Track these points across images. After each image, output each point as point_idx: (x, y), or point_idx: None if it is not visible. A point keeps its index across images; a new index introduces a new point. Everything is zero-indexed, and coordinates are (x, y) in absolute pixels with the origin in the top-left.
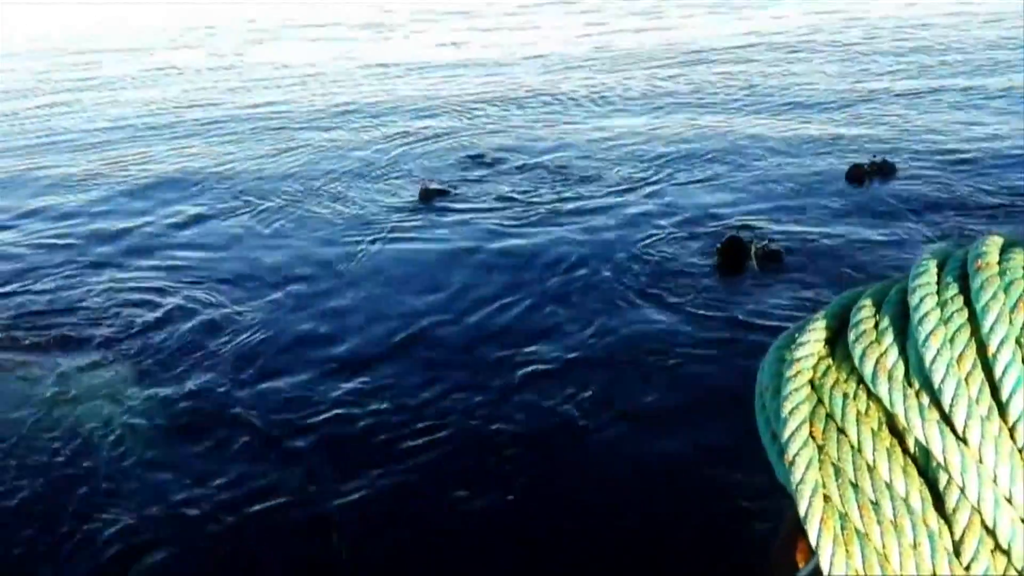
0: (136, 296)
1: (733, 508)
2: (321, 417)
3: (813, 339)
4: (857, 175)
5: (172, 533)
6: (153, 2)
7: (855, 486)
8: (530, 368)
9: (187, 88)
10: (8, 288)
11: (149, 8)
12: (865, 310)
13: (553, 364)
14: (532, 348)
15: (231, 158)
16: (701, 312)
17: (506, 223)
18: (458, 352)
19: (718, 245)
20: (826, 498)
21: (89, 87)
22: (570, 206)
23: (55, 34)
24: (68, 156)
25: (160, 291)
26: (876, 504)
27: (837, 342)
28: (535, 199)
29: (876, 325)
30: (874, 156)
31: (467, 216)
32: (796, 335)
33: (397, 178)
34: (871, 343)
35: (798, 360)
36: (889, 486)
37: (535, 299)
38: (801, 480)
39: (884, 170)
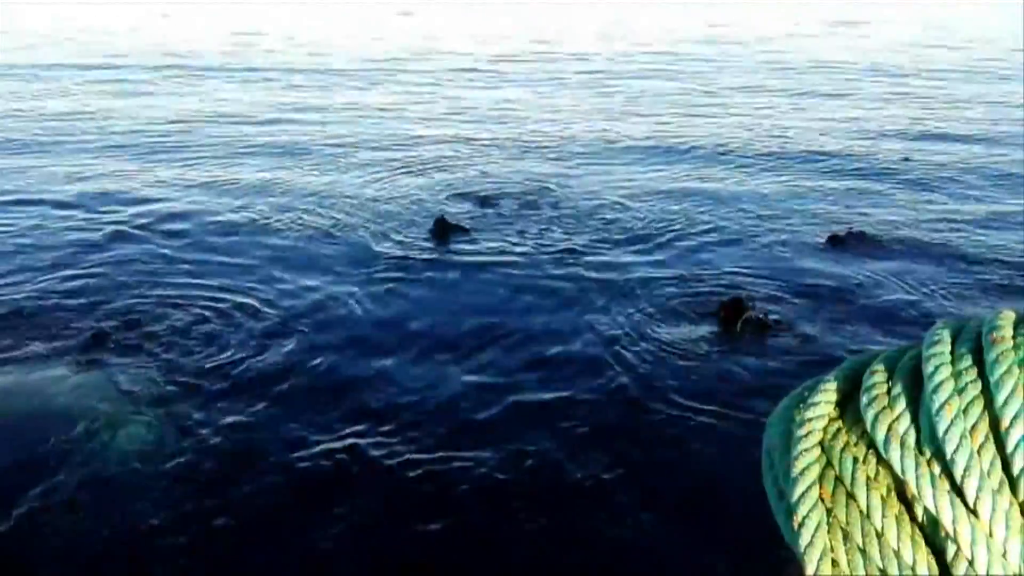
0: (152, 308)
1: (723, 566)
2: (326, 445)
3: (824, 400)
4: (835, 244)
5: (193, 542)
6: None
7: (863, 552)
8: (521, 417)
9: (211, 108)
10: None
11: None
12: (878, 375)
13: (546, 414)
14: (527, 397)
15: (249, 180)
16: (697, 368)
17: (516, 267)
18: (457, 396)
19: (721, 305)
20: (834, 563)
21: (120, 95)
22: (578, 255)
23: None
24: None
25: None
26: (883, 572)
27: (848, 405)
28: (546, 245)
29: (889, 391)
30: (852, 226)
31: (478, 256)
32: (806, 395)
33: (413, 212)
34: (884, 408)
35: (809, 420)
36: (897, 554)
37: (536, 346)
38: (810, 543)
39: (862, 240)
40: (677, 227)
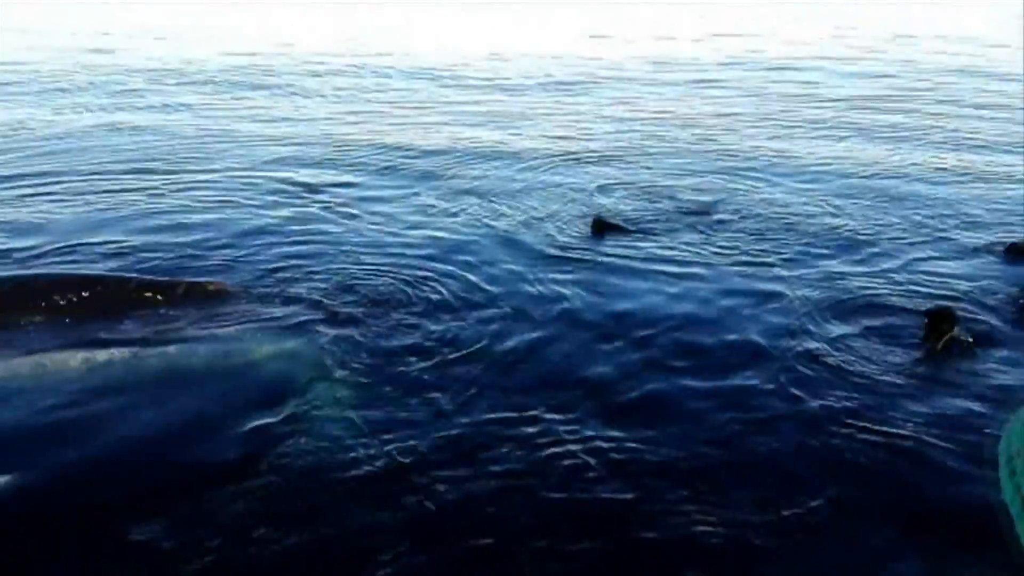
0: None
1: None
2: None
3: None
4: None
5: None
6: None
7: None
8: (703, 433)
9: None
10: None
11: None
12: None
13: (726, 426)
14: (699, 407)
15: (423, 170)
16: (879, 387)
17: (683, 271)
18: (611, 387)
19: (926, 314)
20: None
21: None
22: (750, 262)
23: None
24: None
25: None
26: None
27: None
28: (711, 250)
29: None
30: None
31: (637, 255)
32: None
33: (575, 208)
34: None
35: None
36: None
37: (697, 349)
38: None
39: None
40: (852, 232)
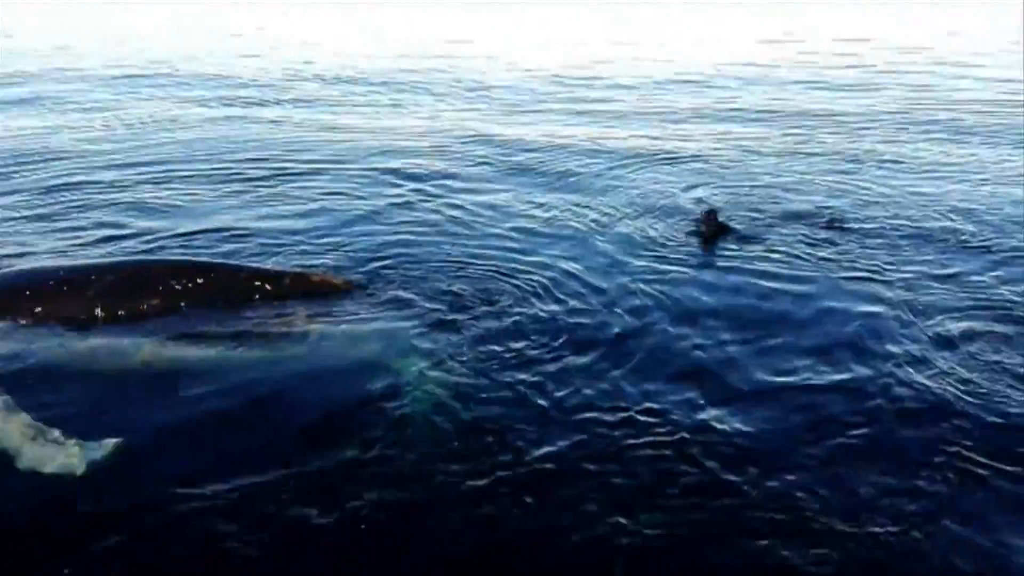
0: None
1: None
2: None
3: None
4: None
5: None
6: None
7: None
8: (810, 423)
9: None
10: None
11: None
12: None
13: (835, 417)
14: (805, 400)
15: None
16: (990, 413)
17: (788, 271)
18: (716, 392)
19: None
20: None
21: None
22: (859, 264)
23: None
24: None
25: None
26: None
27: None
28: (829, 250)
29: None
30: None
31: (741, 254)
32: None
33: (679, 206)
34: None
35: None
36: None
37: (820, 355)
38: None
39: None
40: (971, 239)
